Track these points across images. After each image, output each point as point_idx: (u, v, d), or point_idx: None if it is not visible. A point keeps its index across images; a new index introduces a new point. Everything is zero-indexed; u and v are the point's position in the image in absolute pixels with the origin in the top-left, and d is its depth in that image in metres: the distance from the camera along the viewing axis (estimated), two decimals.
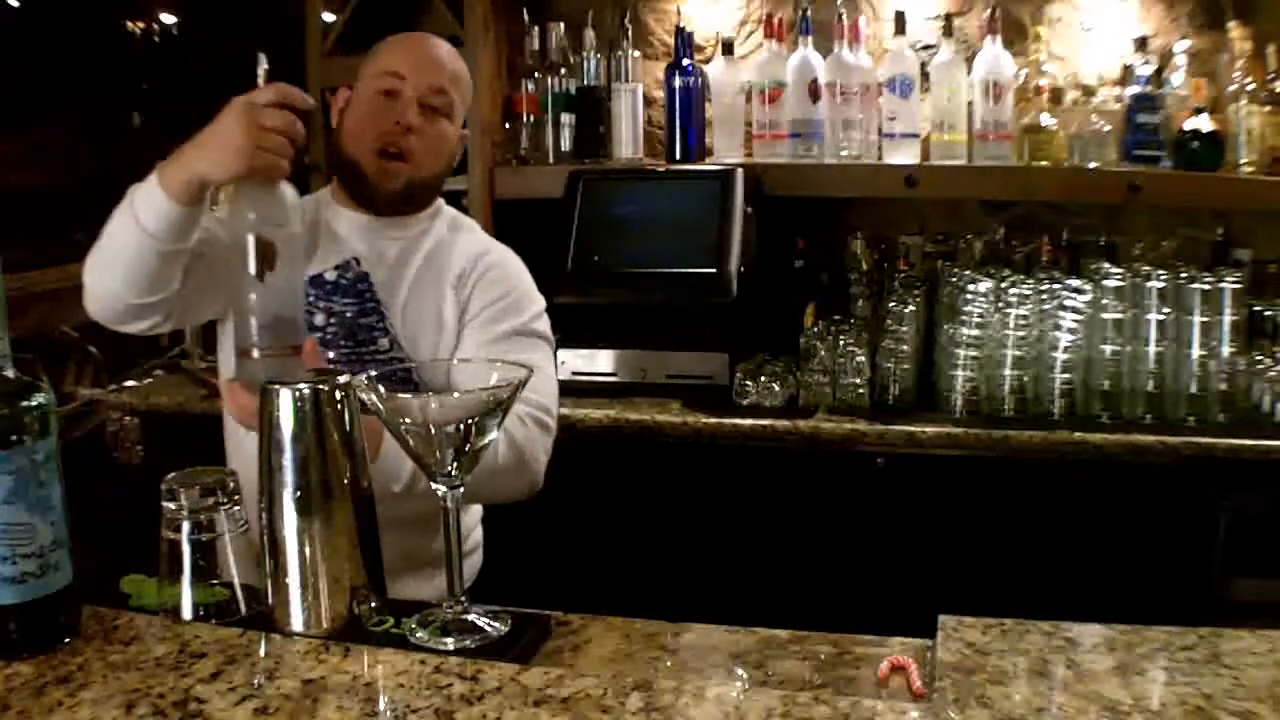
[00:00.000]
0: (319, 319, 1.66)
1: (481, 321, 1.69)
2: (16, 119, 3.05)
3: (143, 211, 1.42)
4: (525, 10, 2.93)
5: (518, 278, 1.77)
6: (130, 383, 2.75)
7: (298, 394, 1.11)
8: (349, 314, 1.66)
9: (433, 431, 1.07)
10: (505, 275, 1.75)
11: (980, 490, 2.31)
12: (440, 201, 1.81)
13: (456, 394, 1.12)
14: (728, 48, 2.86)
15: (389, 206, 1.71)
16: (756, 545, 2.40)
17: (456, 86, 1.72)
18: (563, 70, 2.88)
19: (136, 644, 1.02)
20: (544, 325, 1.76)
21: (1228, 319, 2.32)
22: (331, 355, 1.64)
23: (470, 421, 1.08)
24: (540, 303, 1.78)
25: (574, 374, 2.61)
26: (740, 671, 1.17)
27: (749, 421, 2.41)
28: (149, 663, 0.98)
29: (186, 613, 1.17)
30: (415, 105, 1.66)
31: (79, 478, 1.79)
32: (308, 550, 1.12)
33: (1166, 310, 2.34)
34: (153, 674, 0.96)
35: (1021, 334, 2.38)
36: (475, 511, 1.86)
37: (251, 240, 1.33)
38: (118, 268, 1.47)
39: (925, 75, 2.72)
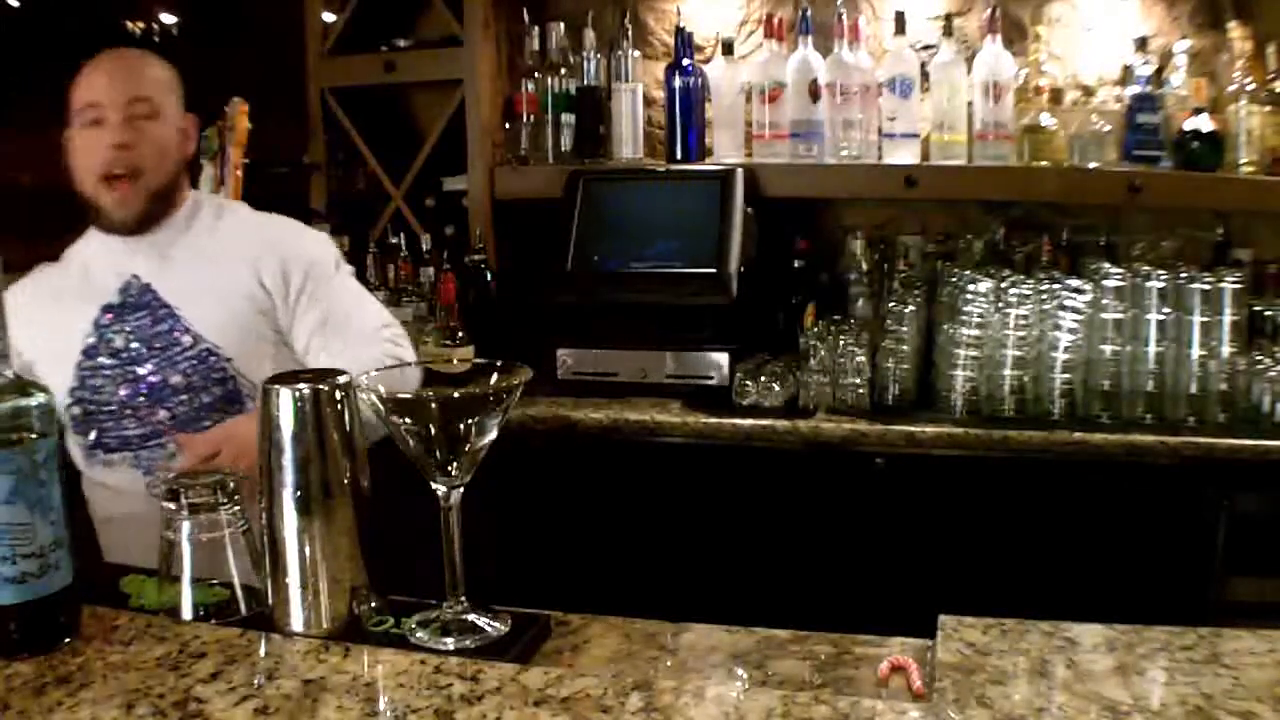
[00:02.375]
0: (118, 341, 1.73)
1: (306, 300, 1.79)
2: (16, 119, 3.05)
3: None
4: (525, 10, 2.92)
5: (304, 241, 1.86)
6: None
7: (298, 394, 1.11)
8: (145, 327, 1.74)
9: (432, 431, 1.07)
10: (300, 246, 1.84)
11: (980, 490, 2.31)
12: (193, 195, 1.86)
13: (457, 394, 1.12)
14: (728, 48, 2.86)
15: (139, 226, 1.76)
16: (756, 545, 2.40)
17: (156, 87, 1.76)
18: (563, 70, 2.88)
19: (136, 644, 1.02)
20: (337, 256, 1.88)
21: (1228, 319, 2.32)
22: (142, 371, 1.72)
23: (470, 421, 1.08)
24: (325, 242, 1.90)
25: (574, 374, 2.61)
26: (740, 671, 1.17)
27: (749, 421, 2.41)
28: (149, 663, 0.98)
29: (186, 613, 1.17)
30: (122, 124, 1.70)
31: (79, 478, 1.79)
32: (308, 550, 1.12)
33: (1166, 310, 2.34)
34: (153, 674, 0.96)
35: (1021, 334, 2.37)
36: None
37: None
38: None
39: (925, 75, 2.72)
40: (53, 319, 1.76)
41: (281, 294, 1.79)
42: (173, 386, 1.73)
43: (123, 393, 1.72)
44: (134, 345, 1.74)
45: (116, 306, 1.76)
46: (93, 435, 1.73)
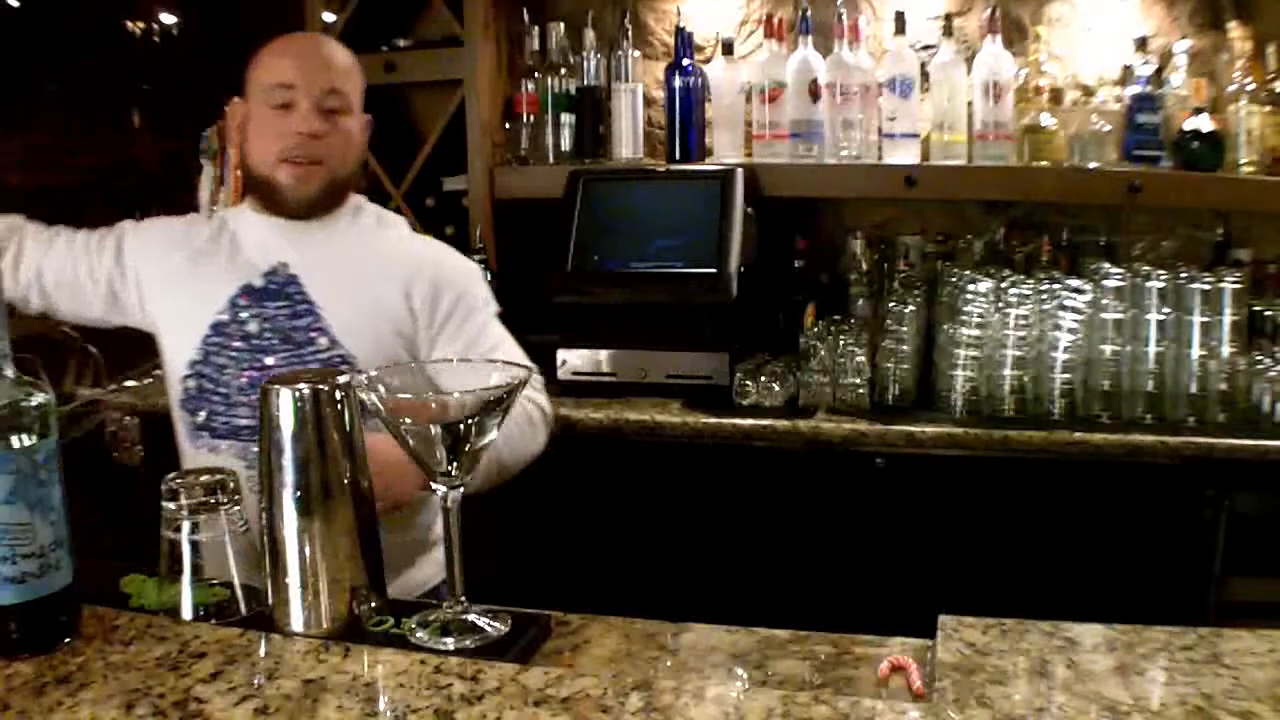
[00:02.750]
0: (252, 326, 1.69)
1: (452, 329, 1.75)
2: (16, 119, 3.05)
3: None
4: (525, 10, 2.93)
5: (458, 270, 1.82)
6: (130, 383, 2.75)
7: (298, 394, 1.11)
8: (281, 318, 1.69)
9: (433, 431, 1.07)
10: (453, 275, 1.80)
11: (980, 490, 2.31)
12: (358, 198, 1.83)
13: (457, 394, 1.12)
14: (728, 48, 2.86)
15: (309, 210, 1.73)
16: (756, 545, 2.40)
17: (349, 80, 1.74)
18: (563, 70, 2.88)
19: (136, 644, 1.02)
20: (488, 294, 1.84)
21: (1228, 319, 2.32)
22: (270, 361, 1.67)
23: (470, 421, 1.08)
24: (479, 277, 1.84)
25: (574, 374, 2.61)
26: (740, 671, 1.17)
27: (749, 421, 2.41)
28: (149, 663, 0.98)
29: (186, 613, 1.17)
30: (314, 111, 1.68)
31: (79, 478, 1.79)
32: (308, 550, 1.12)
33: (1166, 310, 2.34)
34: (153, 674, 0.96)
35: (1021, 334, 2.38)
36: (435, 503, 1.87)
37: None
38: None
39: (925, 75, 2.72)
40: (190, 283, 1.73)
41: (427, 318, 1.74)
42: None
43: (244, 378, 1.67)
44: (267, 333, 1.69)
45: (257, 290, 1.71)
46: (203, 415, 1.69)
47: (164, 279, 1.76)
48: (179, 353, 1.71)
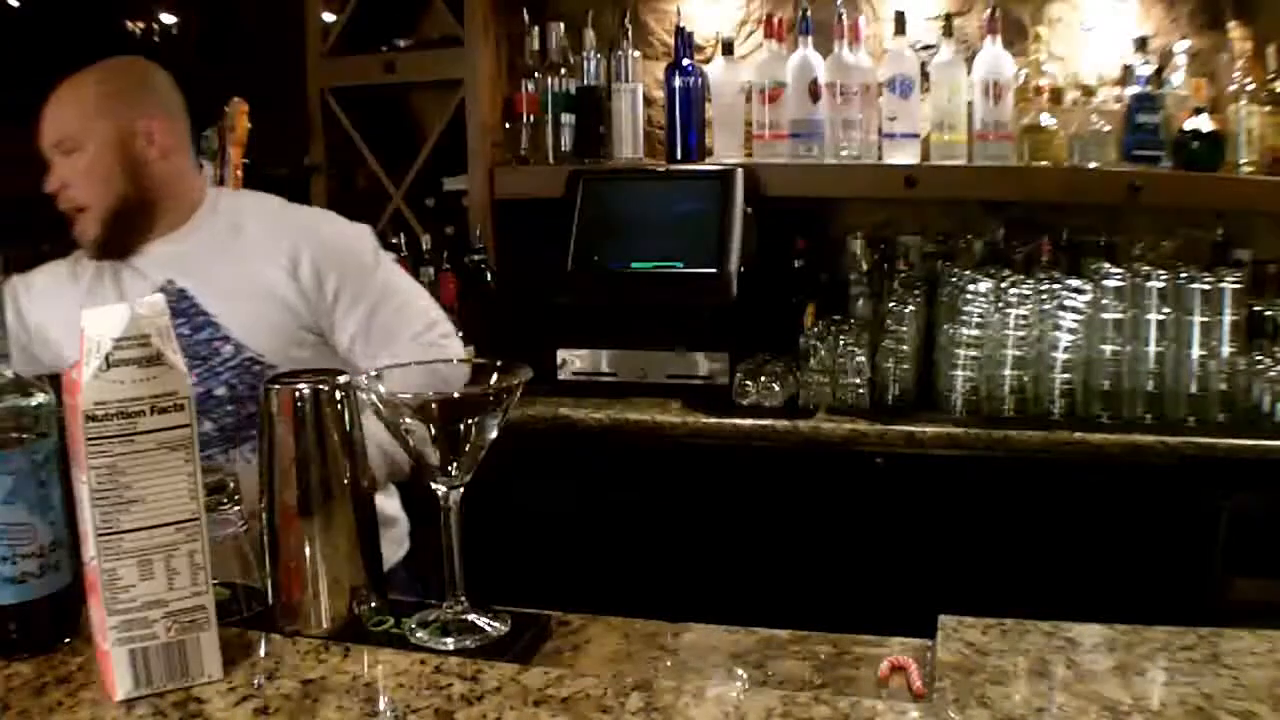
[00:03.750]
0: None
1: (347, 300, 1.72)
2: (17, 119, 3.04)
3: None
4: (525, 10, 2.93)
5: (337, 235, 1.78)
6: None
7: (297, 394, 1.11)
8: (183, 336, 1.66)
9: (432, 431, 1.07)
10: (336, 241, 1.76)
11: (980, 490, 2.31)
12: (212, 191, 1.81)
13: (457, 394, 1.12)
14: (728, 48, 2.86)
15: (115, 249, 1.73)
16: (756, 545, 2.40)
17: (63, 118, 1.71)
18: (563, 70, 2.88)
19: None
20: (374, 245, 1.80)
21: (1228, 319, 2.32)
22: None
23: (470, 421, 1.08)
24: (361, 234, 1.80)
25: (574, 374, 2.61)
26: (740, 671, 1.17)
27: (749, 421, 2.41)
28: None
29: None
30: (53, 164, 1.70)
31: None
32: (307, 550, 1.12)
33: (1166, 310, 2.34)
34: None
35: (1021, 334, 2.38)
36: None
37: None
38: None
39: (925, 75, 2.72)
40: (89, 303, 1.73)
41: (316, 293, 1.71)
42: (217, 398, 1.68)
43: None
44: None
45: None
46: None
47: (67, 326, 1.69)
48: None
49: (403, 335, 1.74)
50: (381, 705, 0.92)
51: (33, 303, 1.77)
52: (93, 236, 1.71)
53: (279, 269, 1.70)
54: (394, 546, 1.79)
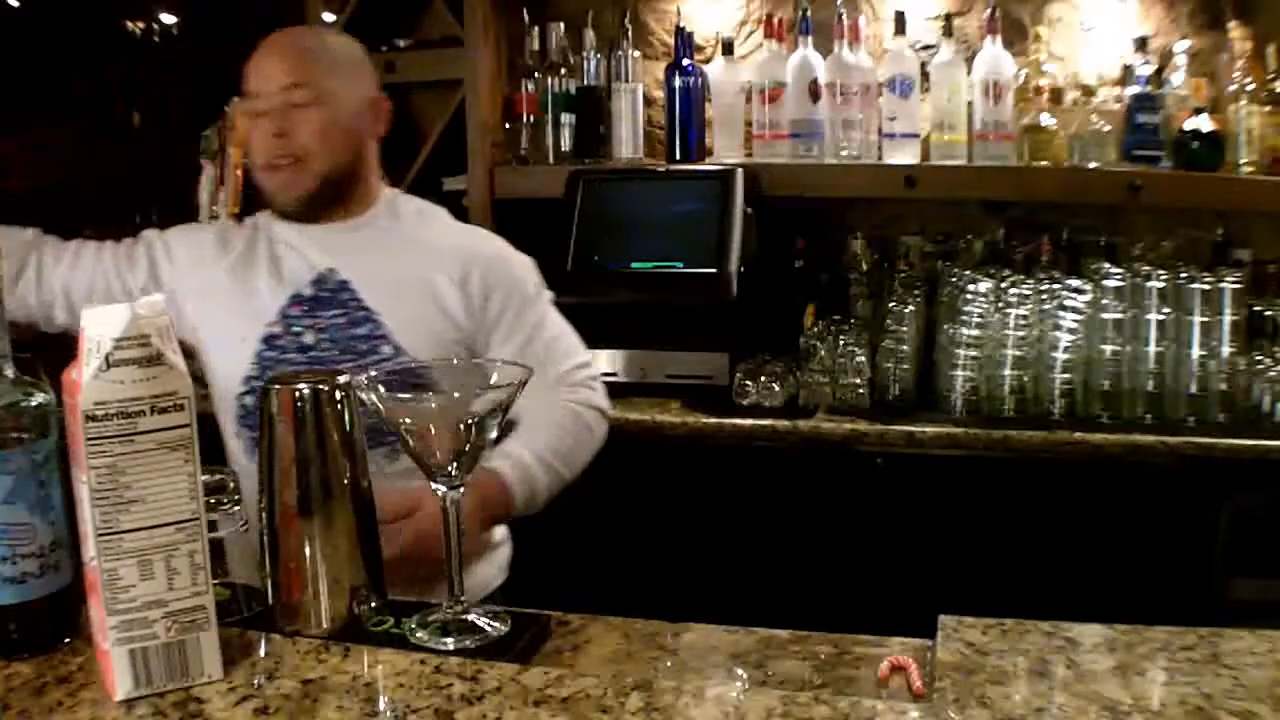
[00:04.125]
0: (309, 338, 1.62)
1: (506, 326, 1.70)
2: (17, 119, 3.05)
3: None
4: (525, 10, 2.93)
5: (508, 261, 1.76)
6: None
7: (297, 394, 1.11)
8: (339, 326, 1.62)
9: (433, 431, 1.07)
10: (505, 267, 1.74)
11: (980, 490, 2.31)
12: (392, 192, 1.78)
13: (457, 394, 1.12)
14: (728, 48, 2.86)
15: (311, 212, 1.67)
16: (756, 545, 2.40)
17: (315, 67, 1.64)
18: (563, 70, 2.88)
19: None
20: (538, 280, 1.78)
21: (1228, 319, 2.32)
22: None
23: (470, 421, 1.08)
24: (530, 266, 1.78)
25: None
26: (740, 671, 1.17)
27: (749, 421, 2.41)
28: None
29: None
30: (278, 110, 1.61)
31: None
32: (307, 550, 1.12)
33: (1166, 310, 2.34)
34: None
35: (1021, 334, 2.38)
36: None
37: None
38: None
39: (925, 75, 2.72)
40: (234, 296, 1.66)
41: (480, 310, 1.68)
42: None
43: None
44: (325, 344, 1.62)
45: (308, 299, 1.64)
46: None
47: (205, 294, 1.68)
48: (230, 369, 1.63)
49: (551, 372, 1.72)
50: (381, 705, 0.92)
51: (174, 261, 1.71)
52: (302, 194, 1.64)
53: (448, 278, 1.67)
54: (495, 571, 1.74)
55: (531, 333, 1.71)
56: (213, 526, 1.16)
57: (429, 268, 1.68)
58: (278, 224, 1.71)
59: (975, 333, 2.39)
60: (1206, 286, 2.33)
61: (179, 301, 1.67)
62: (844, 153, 2.71)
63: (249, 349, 1.63)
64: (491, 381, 1.14)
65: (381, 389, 1.08)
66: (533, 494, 1.60)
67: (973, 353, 2.39)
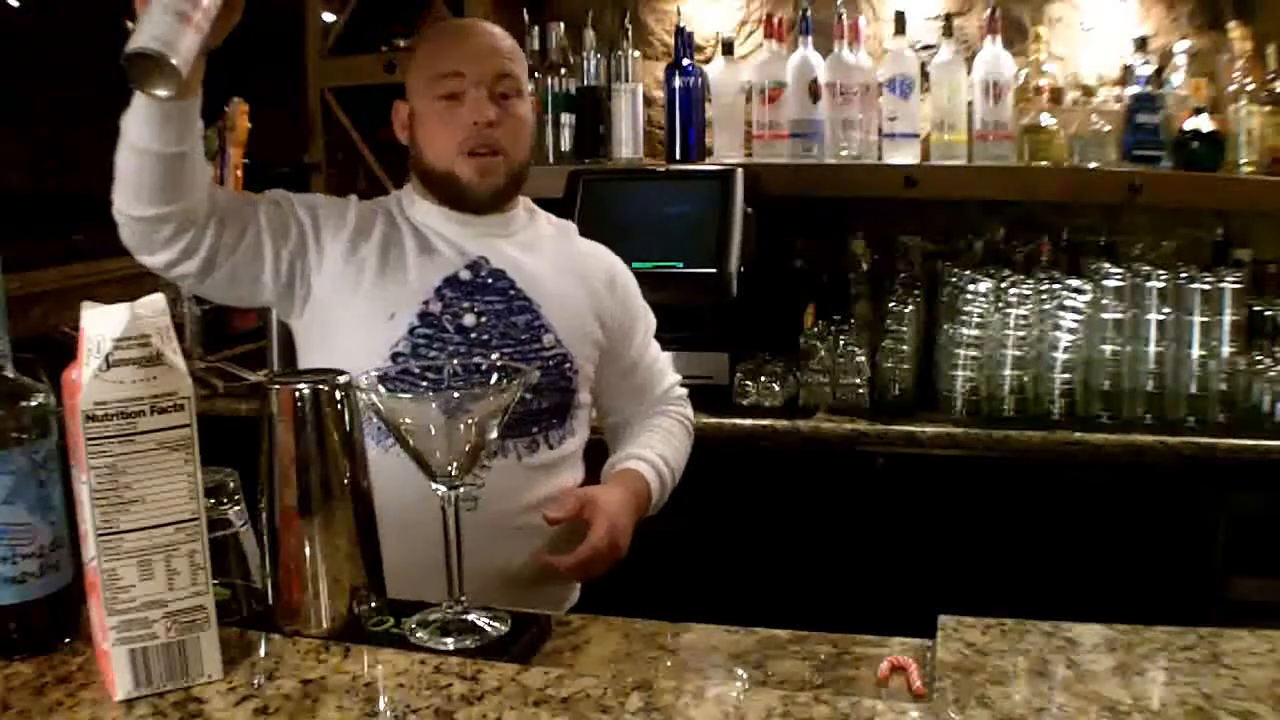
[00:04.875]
0: (468, 320, 1.58)
1: (627, 339, 1.75)
2: (16, 119, 3.05)
3: (130, 123, 1.38)
4: (525, 10, 2.93)
5: (632, 278, 1.81)
6: None
7: (297, 393, 1.11)
8: (498, 311, 1.59)
9: (433, 432, 1.07)
10: (635, 284, 1.81)
11: (980, 490, 2.31)
12: (523, 198, 1.75)
13: (457, 394, 1.12)
14: (728, 48, 2.87)
15: (494, 203, 1.65)
16: (756, 545, 2.40)
17: (517, 61, 1.65)
18: (563, 70, 2.88)
19: None
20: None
21: (1228, 319, 2.32)
22: (494, 358, 1.53)
23: (471, 422, 1.08)
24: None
25: None
26: (740, 671, 1.17)
27: (749, 421, 2.41)
28: None
29: None
30: (487, 99, 1.58)
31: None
32: (307, 550, 1.12)
33: (1166, 310, 2.34)
34: None
35: (1021, 334, 2.38)
36: None
37: None
38: (126, 186, 1.43)
39: (925, 75, 2.72)
40: (385, 271, 1.58)
41: (620, 316, 1.72)
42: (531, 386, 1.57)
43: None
44: (487, 326, 1.58)
45: (464, 282, 1.60)
46: None
47: (354, 265, 1.59)
48: (374, 345, 1.54)
49: (659, 389, 1.81)
50: (381, 705, 0.92)
51: (323, 226, 1.61)
52: (496, 185, 1.62)
53: (599, 282, 1.71)
54: (570, 591, 1.72)
55: (642, 352, 1.78)
56: (213, 526, 1.16)
57: (579, 269, 1.70)
58: (421, 207, 1.67)
59: (975, 333, 2.39)
60: (1206, 286, 2.33)
61: (325, 268, 1.58)
62: (844, 153, 2.71)
63: (402, 325, 1.56)
64: (492, 382, 1.14)
65: (381, 389, 1.08)
66: (661, 497, 1.69)
67: (973, 353, 2.39)
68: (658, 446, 1.72)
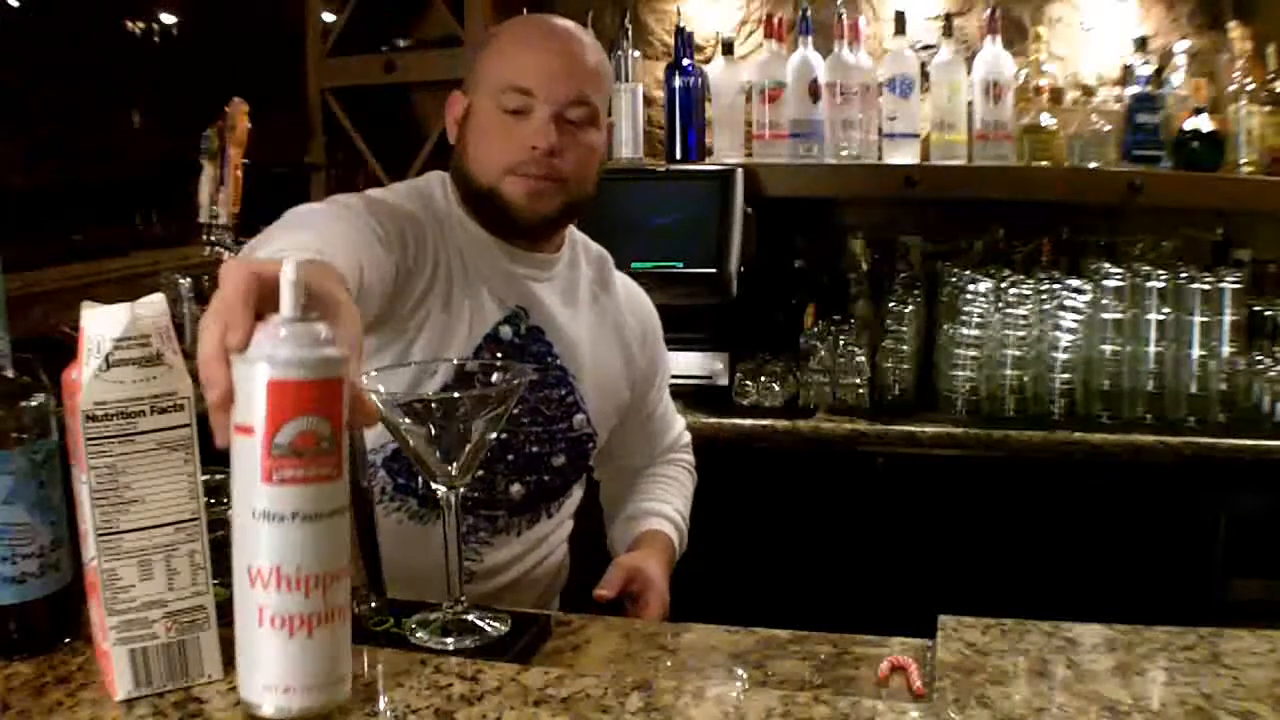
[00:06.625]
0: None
1: (658, 388, 1.69)
2: (16, 119, 3.05)
3: None
4: (525, 10, 2.92)
5: (656, 315, 1.70)
6: None
7: None
8: (534, 383, 1.41)
9: (432, 431, 1.07)
10: (658, 325, 1.68)
11: (980, 490, 2.31)
12: (573, 230, 1.57)
13: (457, 394, 1.12)
14: (728, 48, 2.86)
15: (540, 233, 1.46)
16: (756, 545, 2.40)
17: (598, 85, 1.45)
18: None
19: None
20: None
21: (1228, 319, 2.32)
22: (520, 437, 1.44)
23: (470, 422, 1.08)
24: None
25: None
26: (740, 671, 1.17)
27: (749, 421, 2.41)
28: None
29: None
30: (553, 123, 1.39)
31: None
32: None
33: (1166, 310, 2.34)
34: None
35: (1021, 334, 2.38)
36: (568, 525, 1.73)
37: None
38: None
39: (925, 75, 2.72)
40: (449, 325, 1.40)
41: (643, 381, 1.61)
42: (550, 466, 1.48)
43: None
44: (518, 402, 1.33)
45: (504, 342, 1.43)
46: (421, 478, 1.33)
47: (422, 312, 1.39)
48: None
49: (663, 440, 1.75)
50: (381, 705, 0.92)
51: (418, 244, 1.39)
52: (546, 214, 1.43)
53: (634, 336, 1.58)
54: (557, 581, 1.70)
55: (663, 399, 1.73)
56: (214, 526, 1.16)
57: (617, 325, 1.58)
58: (468, 229, 1.45)
59: (975, 333, 2.39)
60: (1206, 286, 2.33)
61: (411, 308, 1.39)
62: (844, 153, 2.71)
63: (437, 382, 1.27)
64: (492, 381, 1.14)
65: (381, 389, 1.08)
66: (680, 549, 1.69)
67: (973, 353, 2.39)
68: (675, 502, 1.70)
